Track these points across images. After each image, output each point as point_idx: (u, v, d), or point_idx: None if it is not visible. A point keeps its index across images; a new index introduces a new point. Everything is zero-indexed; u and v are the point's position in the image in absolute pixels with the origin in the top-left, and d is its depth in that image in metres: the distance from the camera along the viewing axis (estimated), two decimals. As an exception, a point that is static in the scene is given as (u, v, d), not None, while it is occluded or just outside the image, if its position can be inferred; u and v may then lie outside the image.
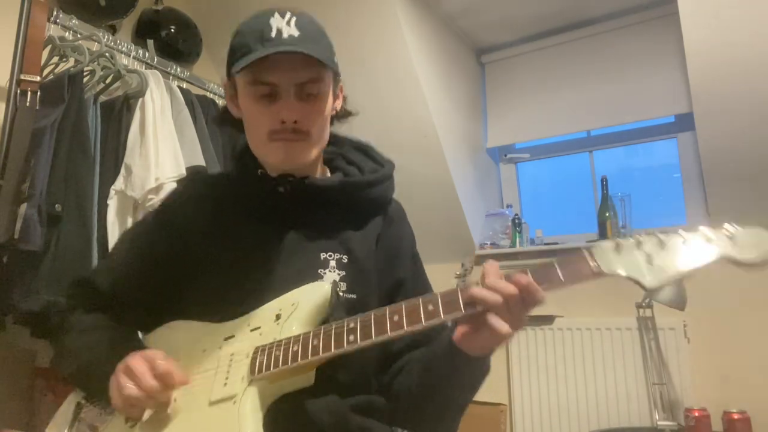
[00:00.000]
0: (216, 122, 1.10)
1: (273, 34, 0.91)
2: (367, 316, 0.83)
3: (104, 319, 1.03)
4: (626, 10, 2.73)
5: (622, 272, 0.76)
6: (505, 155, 3.17)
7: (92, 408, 0.97)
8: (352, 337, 0.81)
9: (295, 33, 0.92)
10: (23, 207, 1.69)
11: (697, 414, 2.07)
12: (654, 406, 2.32)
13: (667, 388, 2.32)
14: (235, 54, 0.95)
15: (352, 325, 0.83)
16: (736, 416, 2.02)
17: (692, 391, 2.31)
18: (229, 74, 0.99)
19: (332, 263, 0.98)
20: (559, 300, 1.56)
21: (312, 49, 0.91)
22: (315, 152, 0.99)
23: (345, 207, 1.03)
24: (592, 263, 0.77)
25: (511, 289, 0.78)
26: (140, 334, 1.08)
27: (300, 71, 0.93)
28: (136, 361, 0.87)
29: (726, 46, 2.14)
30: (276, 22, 0.92)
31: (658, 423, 2.25)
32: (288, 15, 0.93)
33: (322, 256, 0.98)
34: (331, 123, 1.06)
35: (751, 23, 2.08)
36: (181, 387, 0.89)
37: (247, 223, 1.01)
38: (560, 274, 0.78)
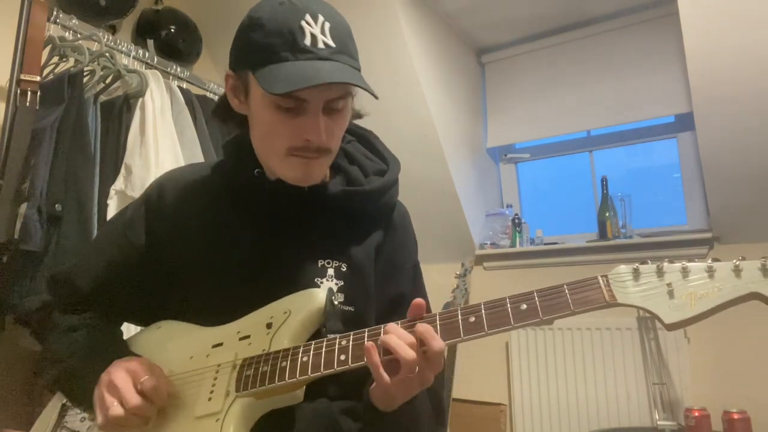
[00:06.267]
0: (213, 114, 1.00)
1: (307, 42, 0.82)
2: (361, 334, 0.80)
3: (84, 320, 0.98)
4: (626, 10, 2.73)
5: (640, 304, 0.70)
6: (505, 155, 3.17)
7: (75, 412, 0.95)
8: (343, 357, 0.78)
9: (331, 43, 0.83)
10: (23, 207, 1.69)
11: (697, 414, 2.07)
12: (654, 406, 2.32)
13: (667, 388, 2.32)
14: (255, 52, 0.84)
15: (344, 342, 0.79)
16: (736, 416, 2.01)
17: (692, 391, 2.31)
18: (239, 67, 0.90)
19: (330, 271, 0.93)
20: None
21: (350, 72, 0.84)
22: (330, 164, 0.95)
23: (346, 213, 0.97)
24: (606, 292, 0.71)
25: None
26: (131, 327, 1.05)
27: (334, 88, 0.84)
28: (119, 376, 0.82)
29: (726, 46, 2.14)
30: (308, 27, 0.82)
31: (658, 423, 2.25)
32: (321, 19, 0.83)
33: (320, 263, 0.93)
34: None
35: (751, 23, 2.07)
36: (166, 403, 0.85)
37: (242, 225, 0.95)
38: (570, 302, 0.72)
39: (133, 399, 0.80)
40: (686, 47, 2.20)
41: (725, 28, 2.12)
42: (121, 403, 0.80)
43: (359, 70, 0.88)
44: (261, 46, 0.84)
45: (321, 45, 0.83)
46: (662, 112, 2.65)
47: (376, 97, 0.83)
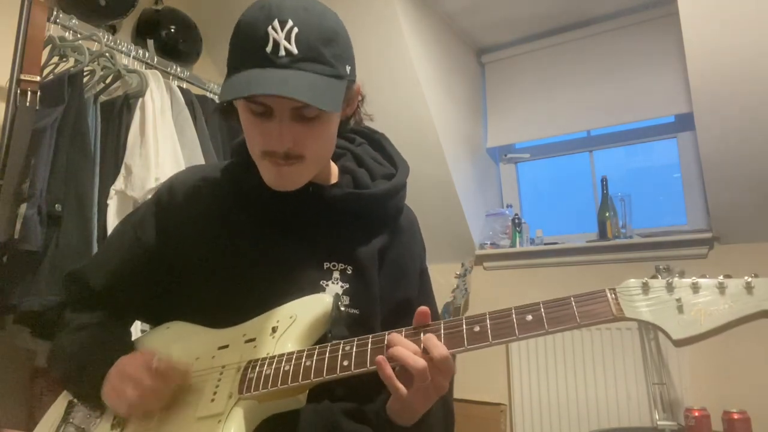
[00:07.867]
0: (216, 110, 1.00)
1: (269, 49, 0.81)
2: (365, 340, 0.80)
3: (95, 318, 0.99)
4: (626, 10, 2.73)
5: (648, 318, 0.68)
6: (505, 155, 3.17)
7: (82, 409, 0.96)
8: (346, 363, 0.78)
9: (294, 50, 0.81)
10: (23, 207, 1.69)
11: (697, 414, 2.07)
12: (654, 406, 2.32)
13: (667, 388, 2.32)
14: (230, 58, 0.86)
15: (347, 348, 0.80)
16: (736, 416, 2.01)
17: (692, 391, 2.31)
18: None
19: (336, 274, 0.93)
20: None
21: (305, 81, 0.81)
22: (312, 173, 0.92)
23: (351, 215, 0.97)
24: (614, 306, 0.70)
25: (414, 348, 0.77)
26: (140, 326, 1.05)
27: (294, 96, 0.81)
28: (129, 364, 0.84)
29: (726, 46, 2.14)
30: (273, 33, 0.81)
31: (658, 423, 2.25)
32: (289, 24, 0.81)
33: (326, 265, 0.93)
34: (343, 128, 1.00)
35: (751, 23, 2.07)
36: (182, 381, 0.85)
37: (248, 228, 0.96)
38: (576, 315, 0.72)
39: (148, 379, 0.81)
40: (686, 47, 2.20)
41: (725, 28, 2.12)
42: (136, 387, 0.81)
43: (337, 76, 0.85)
44: (233, 53, 0.86)
45: (282, 53, 0.81)
46: (662, 112, 2.65)
47: (326, 109, 0.81)
